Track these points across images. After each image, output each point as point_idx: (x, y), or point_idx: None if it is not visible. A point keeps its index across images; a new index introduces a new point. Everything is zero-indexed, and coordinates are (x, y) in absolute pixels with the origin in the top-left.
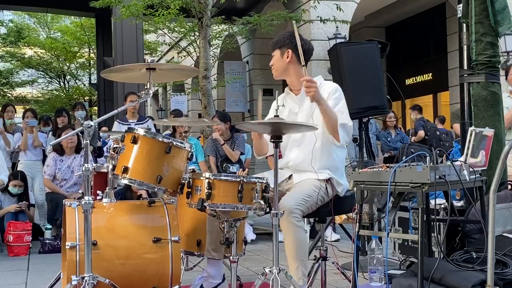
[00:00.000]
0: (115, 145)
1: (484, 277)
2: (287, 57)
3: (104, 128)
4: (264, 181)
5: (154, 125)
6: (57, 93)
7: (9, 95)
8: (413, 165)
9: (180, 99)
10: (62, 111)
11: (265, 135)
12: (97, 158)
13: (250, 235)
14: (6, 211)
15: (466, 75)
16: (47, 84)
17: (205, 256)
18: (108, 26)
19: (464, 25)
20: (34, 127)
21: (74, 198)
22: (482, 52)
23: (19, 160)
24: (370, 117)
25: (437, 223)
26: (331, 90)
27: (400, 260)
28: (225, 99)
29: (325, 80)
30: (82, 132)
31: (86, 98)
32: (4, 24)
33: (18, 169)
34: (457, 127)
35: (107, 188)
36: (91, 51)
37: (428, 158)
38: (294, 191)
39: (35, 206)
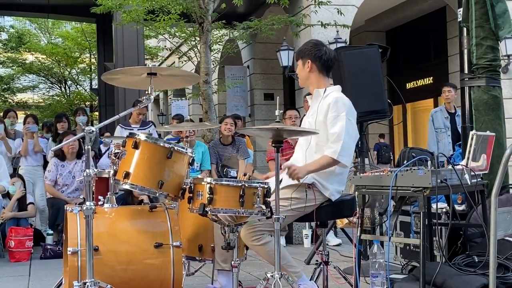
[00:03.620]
0: (116, 150)
1: (486, 281)
2: (308, 67)
3: (106, 134)
4: (266, 186)
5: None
6: (58, 99)
7: (10, 100)
8: (414, 169)
9: (181, 104)
10: (62, 117)
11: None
12: (97, 162)
13: None
14: (13, 201)
15: (467, 79)
16: (48, 89)
17: (215, 268)
18: (109, 31)
19: (465, 29)
20: (35, 132)
21: (76, 204)
22: (483, 56)
23: (19, 166)
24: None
25: (439, 227)
26: (331, 102)
27: (402, 264)
28: (226, 104)
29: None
30: (83, 137)
31: (87, 103)
32: (5, 29)
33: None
34: None
35: (108, 193)
36: (92, 56)
37: (429, 162)
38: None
39: (36, 212)
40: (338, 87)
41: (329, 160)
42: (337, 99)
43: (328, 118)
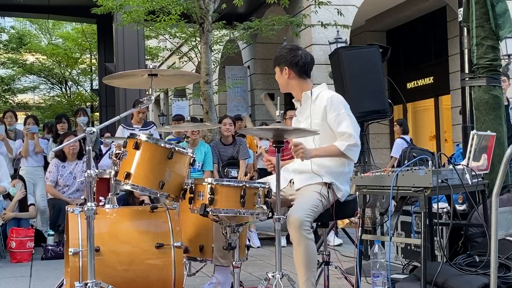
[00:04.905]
0: (117, 151)
1: (487, 281)
2: (286, 74)
3: (107, 134)
4: (267, 186)
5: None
6: (58, 99)
7: (11, 101)
8: (415, 169)
9: (181, 105)
10: (62, 117)
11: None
12: (98, 163)
13: (256, 242)
14: (14, 202)
15: (468, 78)
16: (48, 90)
17: (213, 264)
18: (110, 32)
19: (465, 28)
20: (35, 133)
21: (77, 204)
22: (483, 55)
23: (20, 167)
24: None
25: (440, 227)
26: (327, 103)
27: (403, 264)
28: (227, 104)
29: (327, 84)
30: (84, 138)
31: (88, 104)
32: (6, 30)
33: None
34: None
35: (109, 194)
36: (92, 57)
37: (430, 162)
38: (300, 201)
39: (37, 213)
40: (323, 85)
41: (337, 150)
42: (331, 99)
43: (329, 120)
